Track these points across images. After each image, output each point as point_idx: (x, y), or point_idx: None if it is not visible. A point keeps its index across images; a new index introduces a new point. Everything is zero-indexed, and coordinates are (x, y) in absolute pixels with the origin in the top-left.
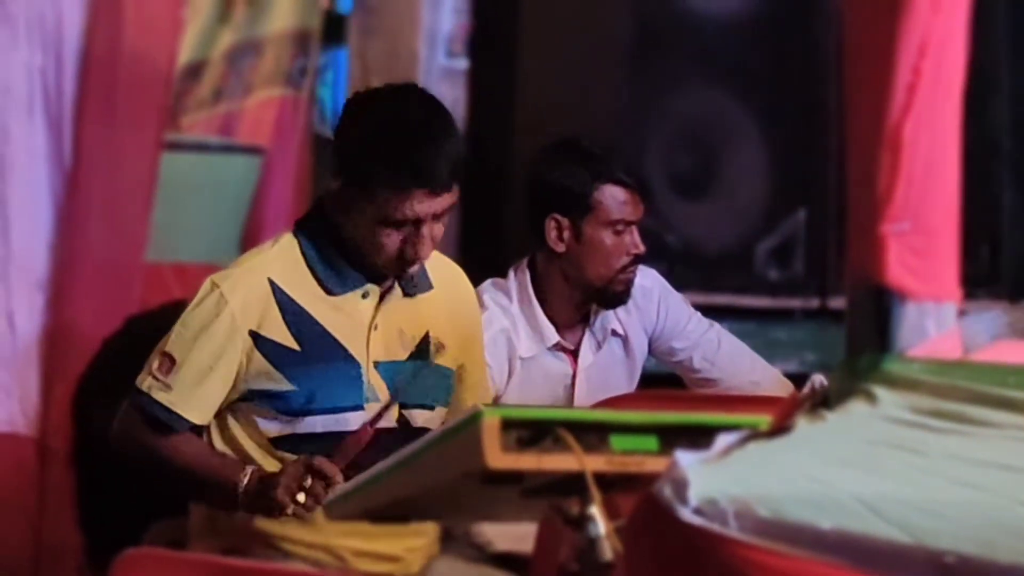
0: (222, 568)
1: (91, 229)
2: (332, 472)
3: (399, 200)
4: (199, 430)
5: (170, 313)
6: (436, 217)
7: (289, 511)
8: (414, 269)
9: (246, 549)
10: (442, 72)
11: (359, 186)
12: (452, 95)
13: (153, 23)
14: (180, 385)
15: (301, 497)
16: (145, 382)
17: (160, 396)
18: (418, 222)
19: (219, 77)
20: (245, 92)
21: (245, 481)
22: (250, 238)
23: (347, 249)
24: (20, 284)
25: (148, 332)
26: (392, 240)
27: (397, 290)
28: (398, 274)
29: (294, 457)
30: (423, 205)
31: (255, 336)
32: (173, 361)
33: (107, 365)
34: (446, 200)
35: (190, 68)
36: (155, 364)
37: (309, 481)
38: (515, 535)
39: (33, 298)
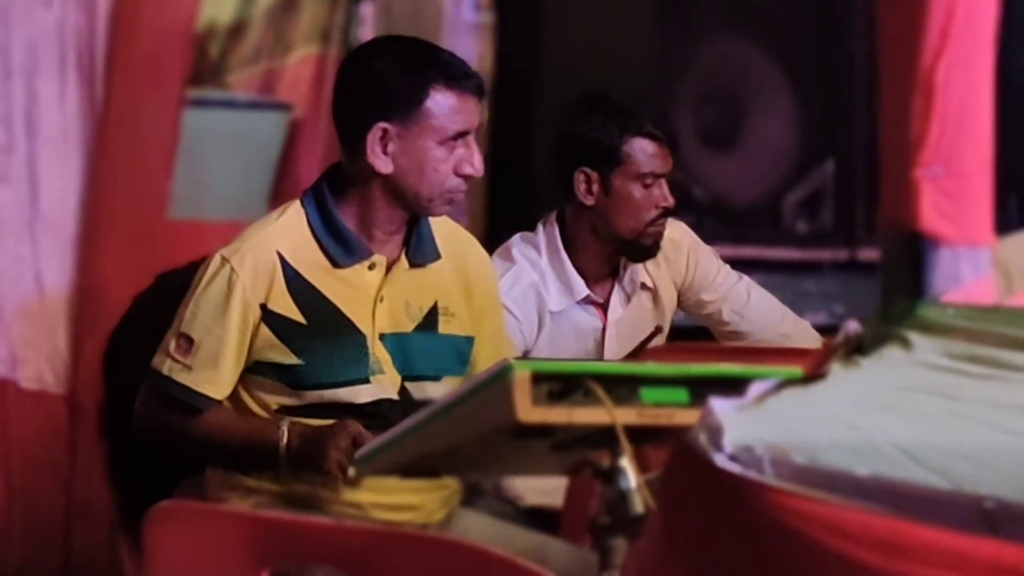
0: (252, 520)
1: (117, 187)
2: None
3: (456, 109)
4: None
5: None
6: (475, 132)
7: (337, 482)
8: (459, 196)
9: (264, 508)
10: (468, 26)
11: (412, 111)
12: (479, 49)
13: None
14: (199, 364)
15: (352, 471)
16: (165, 365)
17: (182, 377)
18: (466, 135)
19: (260, 36)
20: (285, 50)
21: (284, 441)
22: (280, 195)
23: (361, 216)
24: (48, 243)
25: (178, 289)
26: (448, 164)
27: (403, 261)
28: (451, 202)
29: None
30: (473, 114)
31: (264, 309)
32: (191, 341)
33: (137, 322)
34: (481, 111)
35: (233, 27)
36: (172, 346)
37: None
38: (545, 489)
39: (63, 256)
